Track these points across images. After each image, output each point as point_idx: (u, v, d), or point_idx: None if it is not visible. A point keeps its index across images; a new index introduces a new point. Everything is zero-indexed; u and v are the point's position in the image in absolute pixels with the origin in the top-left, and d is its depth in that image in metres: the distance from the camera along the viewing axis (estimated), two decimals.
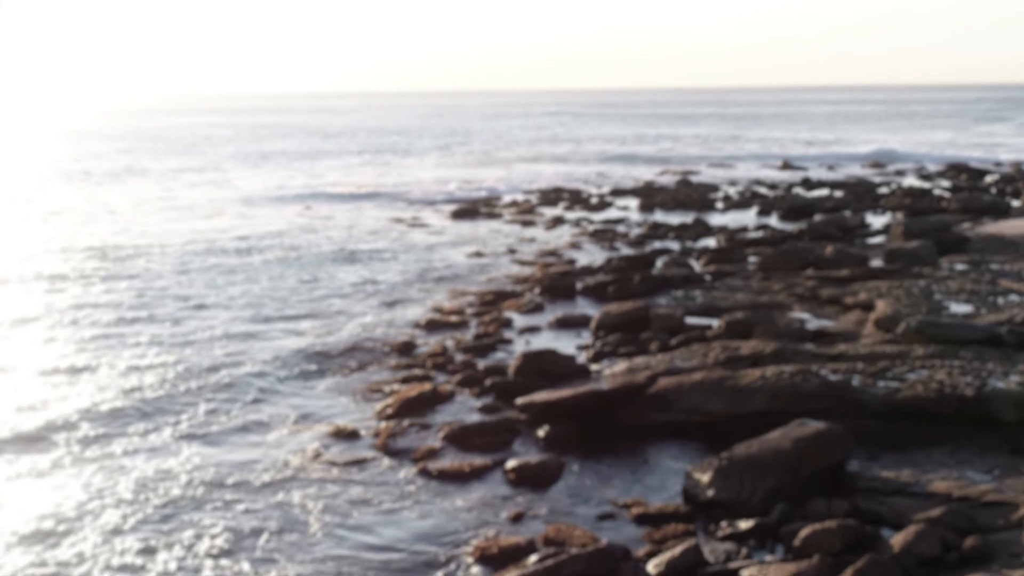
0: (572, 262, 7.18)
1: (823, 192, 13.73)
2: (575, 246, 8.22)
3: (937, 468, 3.34)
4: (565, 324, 5.16)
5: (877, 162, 19.86)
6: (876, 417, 3.83)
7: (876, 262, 6.54)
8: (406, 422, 3.84)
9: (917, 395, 3.69)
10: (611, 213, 11.42)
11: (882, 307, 4.81)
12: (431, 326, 5.32)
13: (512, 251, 8.01)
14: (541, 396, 3.66)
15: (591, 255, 7.66)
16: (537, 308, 5.60)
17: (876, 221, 10.12)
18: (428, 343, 5.01)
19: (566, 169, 18.22)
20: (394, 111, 56.03)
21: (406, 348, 4.69)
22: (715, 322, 5.09)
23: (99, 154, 23.63)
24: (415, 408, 3.94)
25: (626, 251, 7.59)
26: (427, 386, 4.12)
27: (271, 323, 5.78)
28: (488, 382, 3.82)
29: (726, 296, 5.68)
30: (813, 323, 4.88)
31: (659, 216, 10.58)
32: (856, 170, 18.32)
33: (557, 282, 6.11)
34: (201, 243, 9.19)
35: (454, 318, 5.43)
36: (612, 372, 3.80)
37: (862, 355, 4.07)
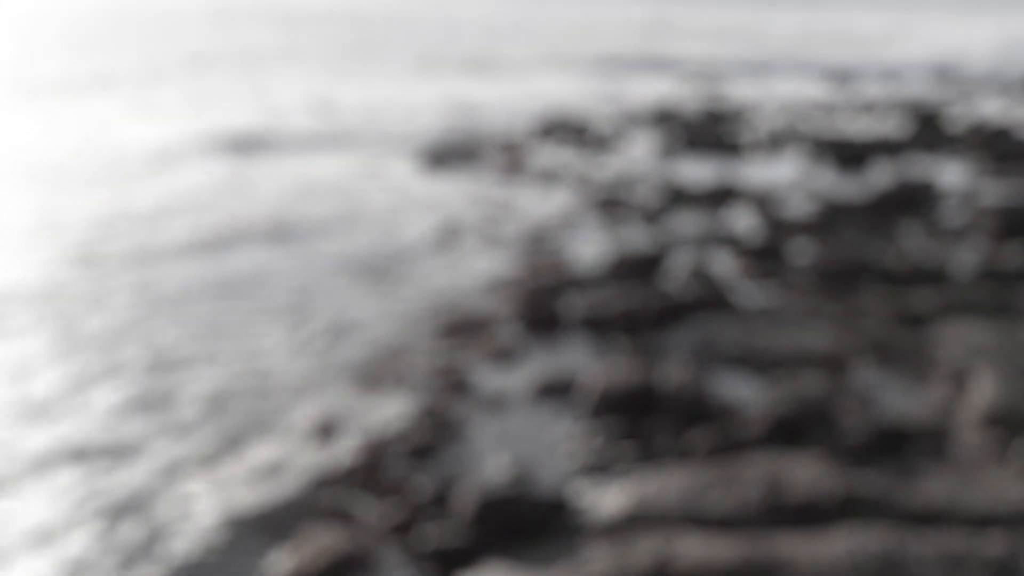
0: (564, 262, 6.01)
1: (875, 123, 12.59)
2: (571, 225, 7.06)
3: None
4: (549, 392, 4.09)
5: (944, 72, 18.39)
6: None
7: (962, 264, 5.42)
8: None
9: None
10: (621, 159, 10.19)
11: (988, 388, 3.49)
12: (363, 386, 4.22)
13: (489, 233, 6.85)
14: None
15: (590, 242, 6.51)
16: (511, 353, 4.51)
17: (950, 173, 8.95)
18: (354, 424, 3.93)
19: (573, 85, 16.79)
20: None
21: (325, 432, 3.60)
22: (750, 385, 4.10)
23: None
24: None
25: (635, 235, 6.48)
26: (341, 544, 2.98)
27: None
28: (429, 535, 2.78)
29: (761, 332, 4.61)
30: (885, 397, 3.83)
31: (679, 168, 9.36)
32: (918, 81, 17.04)
33: (541, 305, 5.00)
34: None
35: (393, 371, 4.34)
36: (600, 552, 2.75)
37: (993, 515, 2.80)
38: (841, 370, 3.96)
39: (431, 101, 14.01)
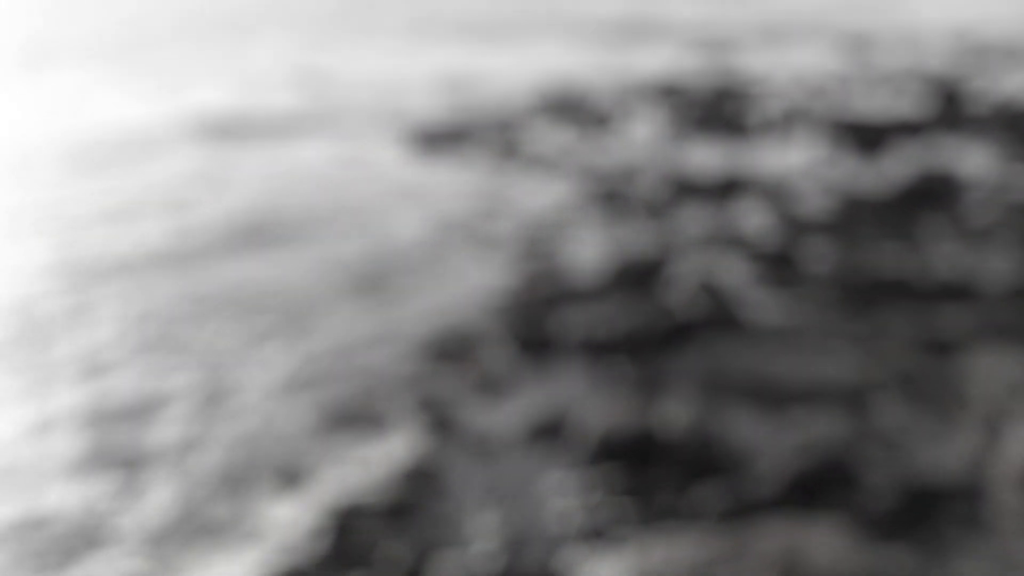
0: (559, 269, 5.74)
1: (892, 100, 12.25)
2: (568, 222, 6.78)
3: None
4: (541, 434, 3.83)
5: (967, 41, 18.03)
6: None
7: (994, 275, 5.12)
8: None
9: None
10: (623, 142, 9.88)
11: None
12: (339, 427, 3.93)
13: (481, 233, 6.56)
14: None
15: (588, 242, 6.23)
16: (501, 383, 4.24)
17: (974, 160, 8.64)
18: (323, 477, 3.63)
19: (573, 54, 16.39)
20: None
21: (291, 484, 3.27)
22: (764, 426, 3.85)
23: None
24: None
25: (637, 233, 6.20)
26: None
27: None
28: None
29: (775, 359, 4.35)
30: (912, 444, 3.56)
31: (685, 153, 9.05)
32: (937, 50, 16.64)
33: (534, 325, 4.72)
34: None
35: (372, 407, 4.06)
36: None
37: None
38: (863, 408, 3.71)
39: (423, 73, 13.65)
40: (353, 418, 3.71)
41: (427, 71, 14.03)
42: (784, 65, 15.45)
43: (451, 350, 4.22)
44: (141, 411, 3.78)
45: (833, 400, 3.65)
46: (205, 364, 4.17)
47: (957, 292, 4.54)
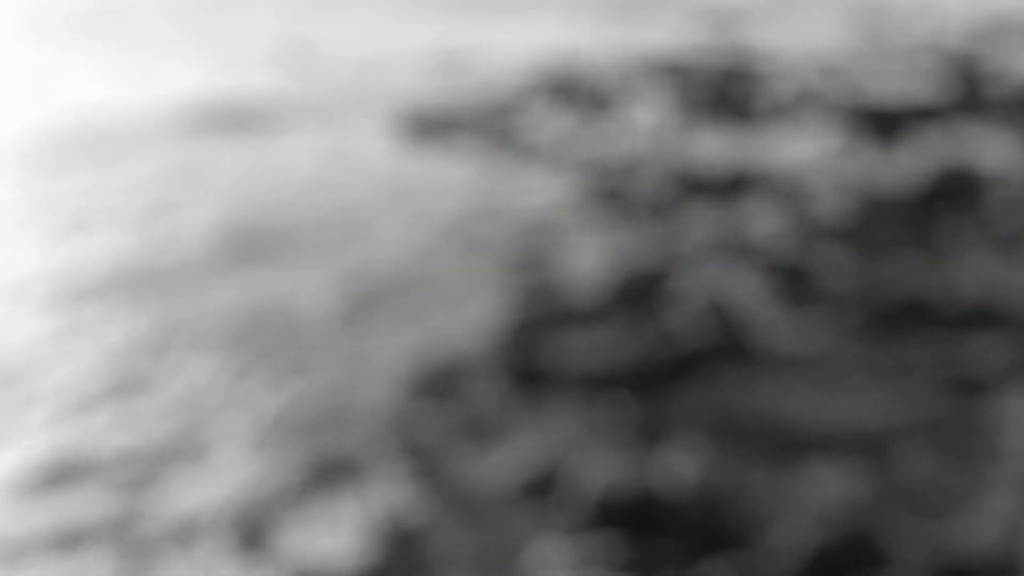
0: (554, 284, 5.47)
1: (909, 80, 11.97)
2: (564, 225, 6.54)
3: None
4: (533, 491, 3.58)
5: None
6: None
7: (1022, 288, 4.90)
8: None
9: None
10: (625, 130, 9.59)
11: None
12: (312, 481, 3.67)
13: (472, 239, 6.29)
14: None
15: (587, 249, 5.98)
16: (488, 426, 3.98)
17: (999, 152, 8.36)
18: (288, 534, 3.38)
19: (574, 28, 16.03)
20: None
21: (251, 547, 2.97)
22: (779, 480, 3.66)
23: None
24: None
25: (639, 239, 5.97)
26: None
27: None
28: None
29: (790, 397, 4.11)
30: (942, 506, 3.34)
31: (690, 142, 8.78)
32: (954, 21, 16.33)
33: (527, 354, 4.48)
34: None
35: (349, 458, 3.80)
36: None
37: None
38: (886, 460, 3.47)
39: (414, 48, 13.33)
40: (329, 469, 3.48)
41: (417, 46, 13.71)
42: (794, 39, 15.13)
43: (438, 386, 3.98)
44: (100, 468, 3.55)
45: (854, 450, 3.42)
46: (180, 407, 3.94)
47: (987, 317, 4.29)
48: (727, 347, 4.17)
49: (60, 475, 3.46)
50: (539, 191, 6.90)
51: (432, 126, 8.81)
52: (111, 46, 13.83)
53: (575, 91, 10.29)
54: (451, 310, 4.72)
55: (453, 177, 7.29)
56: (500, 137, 8.35)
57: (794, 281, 4.92)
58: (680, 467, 3.28)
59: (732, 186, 6.71)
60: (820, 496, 3.10)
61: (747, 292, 4.81)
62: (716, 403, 3.76)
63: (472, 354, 4.23)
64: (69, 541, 3.15)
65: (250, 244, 6.10)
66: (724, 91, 10.27)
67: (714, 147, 8.06)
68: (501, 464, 3.47)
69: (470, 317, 4.59)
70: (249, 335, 4.59)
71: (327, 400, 3.92)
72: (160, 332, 4.60)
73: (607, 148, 8.14)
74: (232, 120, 9.42)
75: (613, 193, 6.67)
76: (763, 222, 6.01)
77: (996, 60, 12.01)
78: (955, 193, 6.51)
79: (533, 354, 4.16)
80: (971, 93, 10.16)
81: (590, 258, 5.42)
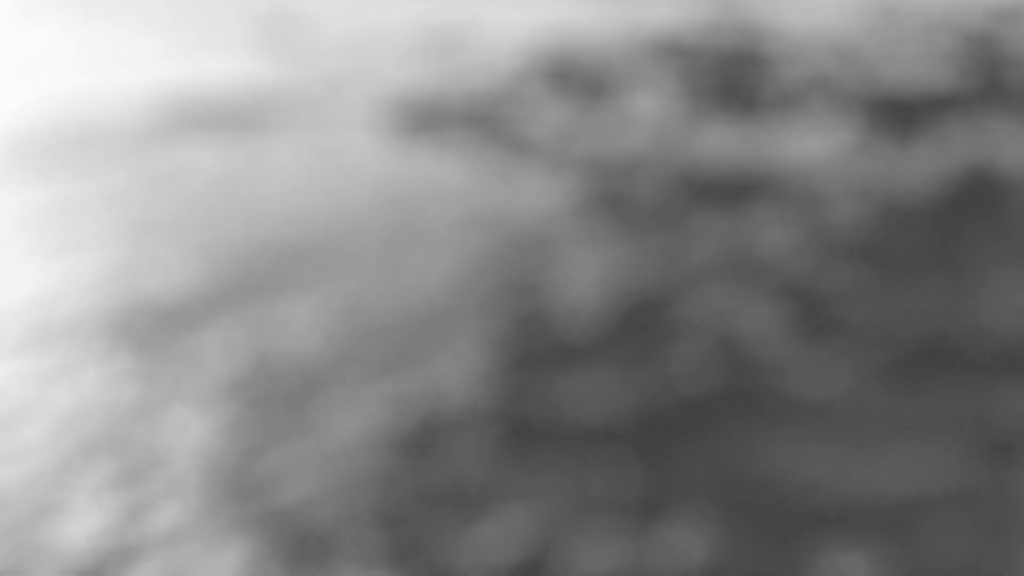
0: (547, 313, 5.18)
1: (926, 66, 11.66)
2: (559, 237, 6.25)
3: None
4: None
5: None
6: None
7: None
8: None
9: None
10: (627, 121, 9.30)
11: None
12: (272, 571, 3.30)
13: (462, 253, 5.98)
14: None
15: (584, 267, 5.69)
16: (473, 491, 3.68)
17: (1017, 140, 8.07)
18: None
19: (571, 7, 15.65)
20: None
21: None
22: (800, 566, 3.42)
23: None
24: None
25: (640, 254, 5.73)
26: None
27: None
28: None
29: (806, 457, 3.84)
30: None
31: (695, 137, 8.52)
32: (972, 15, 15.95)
33: (517, 403, 4.21)
34: None
35: (322, 540, 3.46)
36: None
37: None
38: (914, 535, 3.23)
39: (403, 27, 12.99)
40: (297, 546, 3.24)
41: (407, 22, 13.36)
42: (804, 15, 14.76)
43: (420, 443, 3.73)
44: (62, 548, 3.31)
45: (876, 524, 3.17)
46: (147, 470, 3.69)
47: (1020, 364, 4.03)
48: (736, 393, 3.92)
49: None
50: (533, 196, 6.62)
51: (421, 119, 8.52)
52: (80, 23, 13.48)
53: (573, 76, 9.98)
54: (437, 350, 4.46)
55: (442, 180, 7.00)
56: (492, 131, 8.07)
57: (808, 310, 4.66)
58: (683, 546, 3.04)
59: (740, 190, 6.44)
60: None
61: (757, 323, 4.55)
62: (724, 464, 3.51)
63: (457, 403, 3.97)
64: None
65: (232, 276, 5.80)
66: (732, 76, 9.96)
67: (721, 143, 7.77)
68: (486, 541, 3.22)
69: (457, 359, 4.33)
70: (230, 385, 4.34)
71: (300, 463, 3.68)
72: (137, 382, 4.35)
73: (606, 144, 7.86)
74: (211, 115, 9.10)
75: (612, 199, 6.40)
76: (774, 234, 5.74)
77: (1017, 40, 11.68)
78: (980, 198, 6.24)
79: (523, 403, 3.91)
80: (992, 78, 9.85)
81: (587, 278, 5.16)
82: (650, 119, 8.54)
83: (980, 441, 3.53)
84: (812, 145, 7.67)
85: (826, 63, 10.71)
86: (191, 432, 3.91)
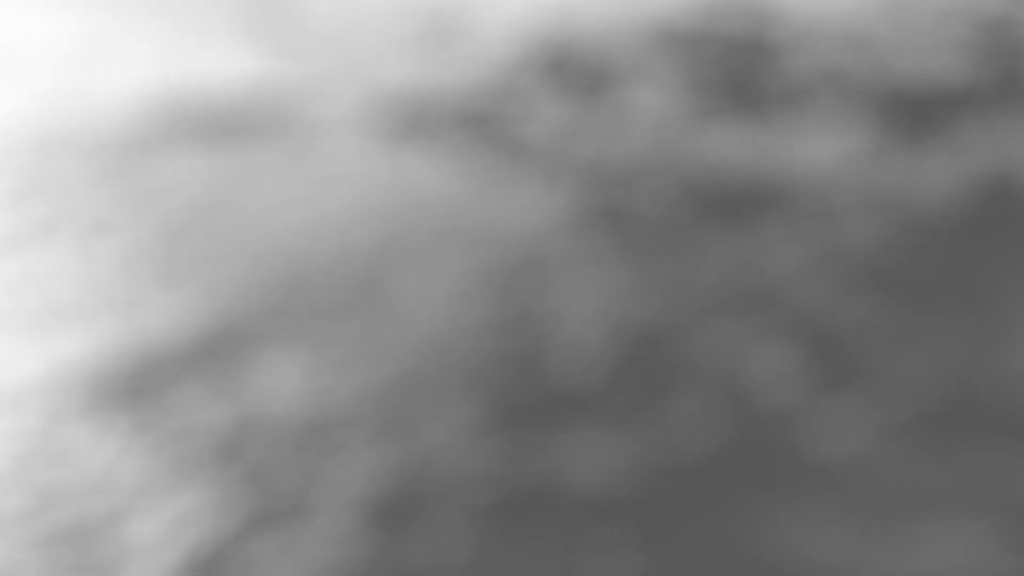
0: (542, 353, 4.91)
1: (942, 61, 11.31)
2: (554, 259, 6.01)
3: None
4: None
5: None
6: None
7: None
8: None
9: None
10: (628, 121, 9.04)
11: None
12: None
13: (448, 286, 5.74)
14: None
15: (580, 293, 5.42)
16: (455, 572, 3.41)
17: None
18: None
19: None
20: None
21: None
22: None
23: None
24: None
25: (641, 278, 5.53)
26: None
27: None
28: None
29: (822, 538, 3.53)
30: None
31: (700, 138, 8.22)
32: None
33: (505, 469, 3.91)
34: None
35: None
36: None
37: None
38: None
39: (395, 14, 12.67)
40: None
41: (399, 11, 13.04)
42: (813, 8, 14.37)
43: (402, 522, 3.46)
44: None
45: None
46: (121, 558, 3.42)
47: None
48: (744, 456, 3.64)
49: None
50: (527, 210, 6.34)
51: (412, 119, 8.21)
52: (54, 15, 13.10)
53: (571, 67, 9.67)
54: (422, 407, 4.17)
55: (433, 191, 6.71)
56: (486, 132, 7.78)
57: (822, 351, 4.38)
58: None
59: (748, 203, 6.15)
60: None
61: (766, 367, 4.27)
62: (729, 543, 3.23)
63: (441, 471, 3.70)
64: None
65: (215, 320, 5.50)
66: (738, 68, 9.65)
67: (727, 146, 7.47)
68: None
69: (442, 416, 4.05)
70: (216, 460, 4.07)
71: (278, 549, 3.41)
72: (109, 449, 4.07)
73: (605, 147, 7.56)
74: (194, 120, 8.74)
75: (611, 213, 6.11)
76: (784, 256, 5.45)
77: None
78: (1006, 212, 5.95)
79: (512, 468, 3.63)
80: (1011, 71, 9.54)
81: (582, 310, 4.87)
82: (651, 118, 8.24)
83: (1019, 517, 3.25)
84: (823, 149, 7.36)
85: (837, 53, 10.40)
86: (162, 515, 3.65)
